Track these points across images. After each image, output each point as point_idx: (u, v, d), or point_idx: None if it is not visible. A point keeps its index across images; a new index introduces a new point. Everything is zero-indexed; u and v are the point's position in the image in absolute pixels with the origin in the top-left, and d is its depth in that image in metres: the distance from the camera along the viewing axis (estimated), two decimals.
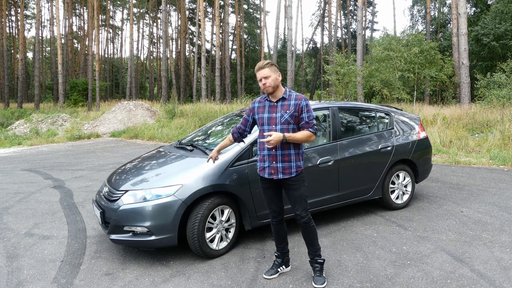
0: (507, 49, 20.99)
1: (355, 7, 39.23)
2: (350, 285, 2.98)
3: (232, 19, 52.55)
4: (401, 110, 5.33)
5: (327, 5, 40.04)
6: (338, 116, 4.41)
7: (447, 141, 9.92)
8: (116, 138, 14.75)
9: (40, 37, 37.19)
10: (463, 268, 3.23)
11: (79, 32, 47.66)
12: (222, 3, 33.45)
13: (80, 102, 31.90)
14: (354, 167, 4.38)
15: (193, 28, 47.20)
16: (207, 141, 4.55)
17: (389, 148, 4.70)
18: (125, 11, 49.94)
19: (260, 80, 2.88)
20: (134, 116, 17.08)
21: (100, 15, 38.00)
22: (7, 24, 42.78)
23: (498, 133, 9.55)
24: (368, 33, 43.97)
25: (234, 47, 45.51)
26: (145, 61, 58.82)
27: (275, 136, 2.75)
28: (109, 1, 46.51)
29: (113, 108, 18.41)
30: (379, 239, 3.91)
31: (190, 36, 46.27)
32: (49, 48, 51.15)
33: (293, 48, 25.83)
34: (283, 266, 3.21)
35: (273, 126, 2.91)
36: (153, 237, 3.28)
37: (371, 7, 45.34)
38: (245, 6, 46.22)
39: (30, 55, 56.22)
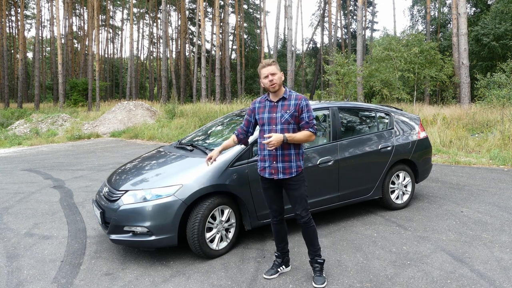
0: (507, 49, 20.99)
1: (355, 7, 39.23)
2: (350, 285, 2.98)
3: (232, 19, 52.60)
4: (401, 110, 5.33)
5: (327, 5, 40.04)
6: (338, 116, 4.41)
7: (447, 141, 9.92)
8: (116, 138, 14.75)
9: (40, 37, 37.19)
10: (463, 268, 3.23)
11: (79, 32, 47.66)
12: (222, 3, 33.45)
13: (80, 102, 31.90)
14: (354, 167, 4.38)
15: (193, 28, 47.20)
16: (207, 141, 4.56)
17: (389, 148, 4.70)
18: (125, 11, 49.96)
19: (267, 77, 2.87)
20: (134, 116, 17.09)
21: (100, 15, 38.00)
22: (7, 24, 42.80)
23: (498, 133, 9.55)
24: (368, 33, 43.98)
25: (234, 47, 45.52)
26: (145, 61, 58.83)
27: (276, 137, 2.75)
28: (109, 1, 46.51)
29: (113, 108, 18.42)
30: (379, 239, 3.91)
31: (190, 36, 46.27)
32: (49, 48, 51.17)
33: (293, 48, 25.84)
34: (283, 266, 3.21)
35: (274, 126, 2.91)
36: (153, 237, 3.28)
37: (371, 7, 45.35)
38: (245, 6, 46.23)
39: (30, 55, 56.25)
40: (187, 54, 45.25)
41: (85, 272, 3.30)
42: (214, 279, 3.11)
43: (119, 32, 56.73)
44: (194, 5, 45.65)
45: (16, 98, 38.63)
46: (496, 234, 3.97)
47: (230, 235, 3.65)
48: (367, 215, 4.69)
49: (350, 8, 41.01)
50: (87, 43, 37.76)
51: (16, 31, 45.31)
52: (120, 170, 4.16)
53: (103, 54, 52.20)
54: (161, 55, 45.13)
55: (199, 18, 35.20)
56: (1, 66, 37.30)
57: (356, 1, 36.85)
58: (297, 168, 2.92)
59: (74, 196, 5.87)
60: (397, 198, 4.89)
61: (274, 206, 3.09)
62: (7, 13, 40.11)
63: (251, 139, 3.62)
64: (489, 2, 27.18)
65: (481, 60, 22.95)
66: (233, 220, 3.65)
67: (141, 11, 47.78)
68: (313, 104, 4.36)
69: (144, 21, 51.08)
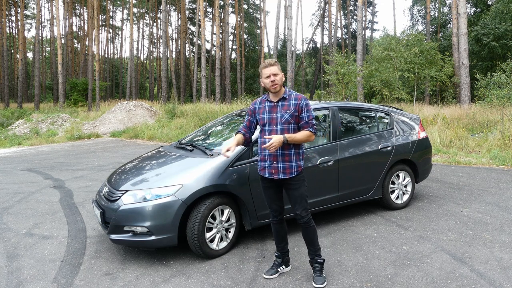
0: (507, 49, 20.99)
1: (355, 7, 39.23)
2: (350, 285, 2.98)
3: (232, 19, 52.57)
4: (401, 110, 5.33)
5: (327, 5, 40.04)
6: (338, 116, 4.41)
7: (447, 141, 9.92)
8: (116, 138, 14.75)
9: (40, 37, 37.19)
10: (463, 268, 3.23)
11: (79, 32, 47.66)
12: (222, 3, 33.45)
13: (80, 102, 31.91)
14: (354, 167, 4.38)
15: (193, 28, 47.20)
16: (207, 141, 4.56)
17: (389, 148, 4.70)
18: (125, 11, 49.96)
19: (268, 77, 2.87)
20: (134, 116, 17.09)
21: (100, 15, 38.01)
22: (7, 24, 42.80)
23: (498, 133, 9.55)
24: (368, 33, 43.98)
25: (234, 47, 45.52)
26: (145, 61, 58.83)
27: (276, 139, 2.74)
28: (109, 1, 46.50)
29: (113, 108, 18.42)
30: (379, 239, 3.91)
31: (190, 36, 46.27)
32: (49, 48, 51.16)
33: (293, 48, 25.84)
34: (283, 266, 3.21)
35: (274, 126, 2.91)
36: (153, 237, 3.28)
37: (371, 7, 45.35)
38: (245, 6, 46.23)
39: (30, 55, 56.25)
40: (187, 54, 45.27)
41: (85, 272, 3.30)
42: (214, 279, 3.11)
43: (119, 32, 56.76)
44: (194, 5, 45.65)
45: (16, 98, 38.63)
46: (496, 234, 3.97)
47: (230, 235, 3.65)
48: (367, 215, 4.69)
49: (350, 8, 41.01)
50: (87, 43, 37.77)
51: (16, 31, 45.33)
52: (120, 170, 4.16)
53: (103, 54, 52.21)
54: (161, 55, 45.14)
55: (199, 18, 35.21)
56: (1, 66, 37.30)
57: (356, 1, 36.85)
58: (297, 168, 2.92)
59: (74, 196, 5.87)
60: (397, 198, 4.89)
61: (274, 206, 3.09)
62: (7, 13, 40.11)
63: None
64: (489, 2, 27.18)
65: (481, 60, 22.96)
66: (233, 220, 3.65)
67: (141, 11, 47.78)
68: (313, 104, 4.36)
69: (144, 21, 51.09)
